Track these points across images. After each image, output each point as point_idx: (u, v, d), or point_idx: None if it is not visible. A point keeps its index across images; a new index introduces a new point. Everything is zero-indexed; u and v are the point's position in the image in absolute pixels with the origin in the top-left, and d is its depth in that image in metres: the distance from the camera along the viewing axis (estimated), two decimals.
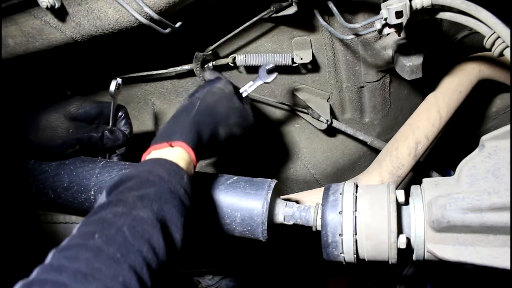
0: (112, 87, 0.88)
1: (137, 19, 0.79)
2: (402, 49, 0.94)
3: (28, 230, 1.00)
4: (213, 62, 1.02)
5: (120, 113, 0.92)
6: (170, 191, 0.64)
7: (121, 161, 0.91)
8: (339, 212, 0.74)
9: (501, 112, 1.33)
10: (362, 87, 1.11)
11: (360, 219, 0.73)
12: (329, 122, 1.11)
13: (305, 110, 1.12)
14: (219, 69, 1.03)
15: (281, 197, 0.85)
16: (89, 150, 0.89)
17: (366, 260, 0.75)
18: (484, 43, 0.75)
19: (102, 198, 0.64)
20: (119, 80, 0.88)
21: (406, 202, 0.76)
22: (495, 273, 0.70)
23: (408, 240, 0.72)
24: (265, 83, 0.91)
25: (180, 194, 0.66)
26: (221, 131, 0.83)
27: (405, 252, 0.73)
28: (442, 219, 0.67)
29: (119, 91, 0.89)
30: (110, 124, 0.90)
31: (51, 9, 0.77)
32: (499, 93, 1.31)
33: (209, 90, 0.85)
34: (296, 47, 1.02)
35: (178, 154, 0.73)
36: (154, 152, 0.74)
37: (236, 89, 0.89)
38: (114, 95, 0.88)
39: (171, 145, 0.73)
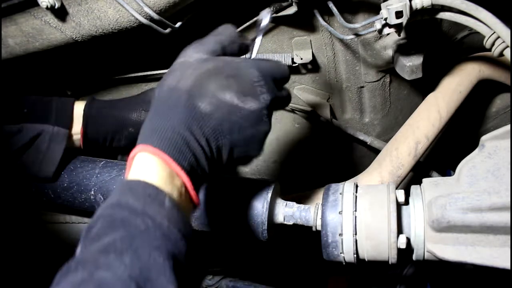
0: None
1: (137, 19, 0.79)
2: (402, 49, 0.94)
3: (29, 230, 1.00)
4: None
5: None
6: (146, 228, 0.47)
7: (121, 161, 0.91)
8: (339, 212, 0.74)
9: (501, 112, 1.33)
10: (362, 87, 1.11)
11: (360, 219, 0.73)
12: (329, 122, 1.11)
13: (305, 110, 1.12)
14: None
15: (281, 197, 0.85)
16: None
17: (366, 260, 0.75)
18: (484, 43, 0.75)
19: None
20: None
21: (406, 202, 0.76)
22: (495, 273, 0.70)
23: (408, 240, 0.72)
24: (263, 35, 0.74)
25: (163, 227, 0.47)
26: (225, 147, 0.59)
27: (405, 252, 0.73)
28: (442, 219, 0.67)
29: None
30: None
31: (51, 9, 0.77)
32: (499, 93, 1.31)
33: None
34: (296, 47, 1.02)
35: (157, 167, 0.52)
36: (131, 166, 0.55)
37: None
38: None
39: (148, 152, 0.54)
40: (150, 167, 0.53)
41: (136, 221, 0.47)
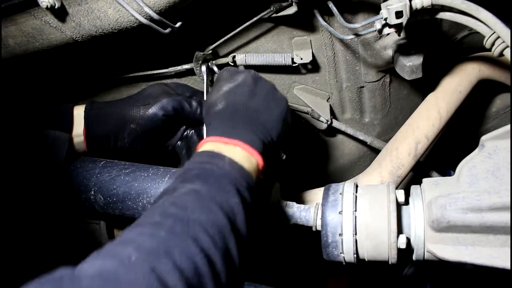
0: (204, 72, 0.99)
1: (137, 19, 0.79)
2: (402, 49, 0.94)
3: (29, 230, 1.00)
4: (213, 61, 1.01)
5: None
6: (212, 168, 0.61)
7: (121, 161, 0.91)
8: (339, 212, 0.74)
9: (501, 112, 1.33)
10: (362, 87, 1.12)
11: (360, 219, 0.73)
12: (329, 122, 1.11)
13: (305, 110, 1.12)
14: (218, 68, 1.03)
15: (281, 197, 0.85)
16: (177, 121, 0.94)
17: (366, 260, 0.75)
18: (484, 43, 0.75)
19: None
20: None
21: (406, 202, 0.76)
22: (495, 273, 0.70)
23: (408, 240, 0.72)
24: None
25: (225, 168, 0.62)
26: (273, 126, 0.75)
27: (405, 252, 0.73)
28: (442, 219, 0.67)
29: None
30: (205, 96, 0.96)
31: (51, 9, 0.77)
32: (499, 93, 1.31)
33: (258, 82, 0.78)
34: (296, 47, 1.02)
35: (240, 154, 0.67)
36: (210, 145, 0.69)
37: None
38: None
39: (233, 144, 0.67)
40: (209, 145, 0.68)
41: (204, 166, 0.62)
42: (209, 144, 0.69)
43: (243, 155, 0.67)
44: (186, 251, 0.48)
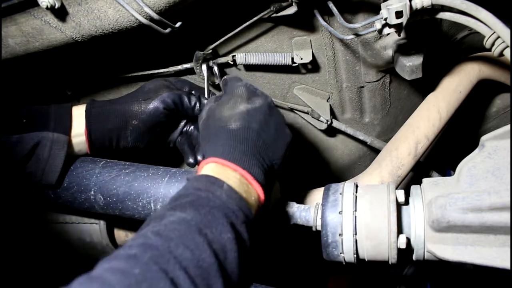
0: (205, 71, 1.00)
1: (137, 19, 0.79)
2: (402, 49, 0.94)
3: (29, 230, 1.01)
4: (213, 61, 1.01)
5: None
6: (207, 196, 0.57)
7: (121, 161, 0.91)
8: (339, 212, 0.74)
9: (501, 112, 1.33)
10: (362, 87, 1.11)
11: (360, 219, 0.73)
12: (329, 122, 1.11)
13: (305, 110, 1.12)
14: (219, 67, 1.03)
15: (281, 197, 0.85)
16: (176, 116, 0.94)
17: (366, 260, 0.75)
18: (484, 43, 0.75)
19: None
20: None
21: (406, 202, 0.76)
22: (495, 273, 0.70)
23: (408, 240, 0.72)
24: None
25: (222, 198, 0.58)
26: (276, 162, 0.73)
27: (405, 252, 0.73)
28: (442, 219, 0.67)
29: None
30: (206, 94, 0.97)
31: (51, 9, 0.77)
32: (499, 93, 1.31)
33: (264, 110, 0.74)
34: (296, 47, 1.02)
35: (243, 185, 0.63)
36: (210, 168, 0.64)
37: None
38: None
39: (234, 169, 0.64)
40: (209, 168, 0.65)
41: (200, 193, 0.57)
42: (213, 166, 0.65)
43: (245, 187, 0.63)
44: None
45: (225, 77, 0.86)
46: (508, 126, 0.68)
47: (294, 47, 1.02)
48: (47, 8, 0.77)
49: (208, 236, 0.52)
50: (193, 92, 0.95)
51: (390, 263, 0.73)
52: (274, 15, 0.92)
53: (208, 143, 0.71)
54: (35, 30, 0.83)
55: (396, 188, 0.78)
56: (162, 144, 0.99)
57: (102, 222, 1.00)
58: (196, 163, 0.95)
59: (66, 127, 0.85)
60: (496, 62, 1.04)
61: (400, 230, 0.73)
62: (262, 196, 0.65)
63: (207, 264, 0.49)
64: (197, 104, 0.92)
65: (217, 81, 1.04)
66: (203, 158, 0.69)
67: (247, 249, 0.57)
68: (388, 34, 0.90)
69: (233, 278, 0.52)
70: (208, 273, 0.49)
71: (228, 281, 0.51)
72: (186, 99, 0.91)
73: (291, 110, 1.15)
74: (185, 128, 0.98)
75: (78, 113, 0.87)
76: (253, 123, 0.70)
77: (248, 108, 0.72)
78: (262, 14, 0.92)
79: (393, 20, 0.75)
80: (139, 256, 0.46)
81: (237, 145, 0.67)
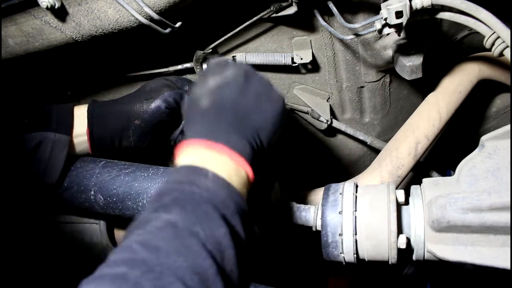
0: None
1: (137, 19, 0.79)
2: (402, 49, 0.94)
3: (29, 230, 1.01)
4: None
5: None
6: (191, 190, 0.52)
7: (121, 161, 0.91)
8: (339, 212, 0.74)
9: (501, 112, 1.33)
10: (362, 87, 1.12)
11: (360, 219, 0.73)
12: (329, 122, 1.11)
13: (305, 110, 1.12)
14: None
15: (281, 197, 0.85)
16: (178, 115, 0.92)
17: (366, 260, 0.75)
18: (484, 43, 0.75)
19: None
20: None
21: (406, 202, 0.76)
22: (495, 273, 0.70)
23: (408, 240, 0.72)
24: None
25: (209, 188, 0.53)
26: (265, 132, 0.66)
27: (405, 252, 0.73)
28: (442, 219, 0.67)
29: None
30: None
31: (51, 9, 0.77)
32: (499, 93, 1.31)
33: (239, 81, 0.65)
34: (296, 47, 1.02)
35: (227, 165, 0.58)
36: (191, 154, 0.59)
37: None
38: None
39: (216, 150, 0.58)
40: (190, 153, 0.59)
41: (183, 187, 0.52)
42: (190, 151, 0.60)
43: (231, 167, 0.58)
44: None
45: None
46: (508, 126, 0.68)
47: (294, 47, 1.02)
48: (47, 8, 0.77)
49: (200, 236, 0.47)
50: None
51: (390, 263, 0.73)
52: (274, 15, 0.92)
53: (186, 127, 0.66)
54: (35, 30, 0.83)
55: (396, 188, 0.78)
56: (164, 143, 0.99)
57: (102, 222, 0.99)
58: None
59: (68, 127, 0.85)
60: (496, 62, 1.04)
61: (400, 230, 0.73)
62: (250, 173, 0.60)
63: (204, 269, 0.45)
64: None
65: None
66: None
67: (243, 242, 0.52)
68: (388, 34, 0.90)
69: (233, 278, 0.48)
70: (206, 278, 0.44)
71: (228, 282, 0.47)
72: (186, 97, 0.91)
73: (291, 110, 1.15)
74: None
75: (80, 113, 0.87)
76: (225, 95, 0.64)
77: (218, 82, 0.65)
78: (262, 14, 0.92)
79: (393, 20, 0.75)
80: (126, 275, 0.41)
81: (211, 123, 0.62)
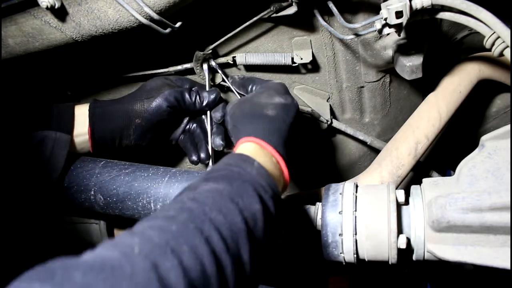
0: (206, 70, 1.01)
1: (137, 19, 0.79)
2: (402, 49, 0.94)
3: (29, 230, 1.00)
4: (214, 60, 1.02)
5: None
6: (239, 172, 0.61)
7: (121, 161, 0.91)
8: (339, 212, 0.74)
9: (501, 112, 1.33)
10: (362, 87, 1.12)
11: (360, 219, 0.73)
12: (329, 122, 1.11)
13: (305, 110, 1.12)
14: (219, 67, 1.03)
15: (281, 197, 0.85)
16: (179, 114, 0.96)
17: (366, 260, 0.75)
18: (484, 43, 0.75)
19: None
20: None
21: (406, 202, 0.76)
22: (495, 273, 0.70)
23: (408, 240, 0.72)
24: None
25: (252, 174, 0.61)
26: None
27: (405, 252, 0.73)
28: (442, 219, 0.67)
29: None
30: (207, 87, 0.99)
31: (51, 9, 0.77)
32: (499, 93, 1.31)
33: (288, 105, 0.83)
34: (296, 47, 1.02)
35: (273, 166, 0.69)
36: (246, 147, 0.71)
37: None
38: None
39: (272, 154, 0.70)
40: (244, 146, 0.71)
41: (232, 168, 0.62)
42: (248, 145, 0.71)
43: (274, 166, 0.69)
44: (196, 250, 0.46)
45: (240, 75, 0.94)
46: (508, 126, 0.68)
47: (294, 47, 1.02)
48: (47, 8, 0.77)
49: (240, 205, 0.55)
50: (193, 88, 0.96)
51: (390, 263, 0.73)
52: (274, 15, 0.92)
53: (243, 126, 0.77)
54: (35, 30, 0.83)
55: (396, 188, 0.78)
56: (165, 142, 0.99)
57: (102, 222, 1.00)
58: (199, 160, 0.96)
59: (68, 126, 0.85)
60: (496, 62, 1.04)
61: (400, 230, 0.73)
62: (287, 178, 0.72)
63: (238, 229, 0.52)
64: (198, 98, 0.93)
65: (218, 81, 1.04)
66: (237, 139, 0.74)
67: (273, 222, 0.60)
68: (388, 34, 0.90)
69: (259, 245, 0.56)
70: (238, 236, 0.52)
71: (254, 247, 0.54)
72: (187, 96, 0.92)
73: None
74: (187, 126, 0.98)
75: (81, 113, 0.88)
76: (286, 115, 0.79)
77: (282, 102, 0.81)
78: (262, 14, 0.92)
79: (393, 20, 0.75)
80: (176, 217, 0.50)
81: (271, 129, 0.74)
